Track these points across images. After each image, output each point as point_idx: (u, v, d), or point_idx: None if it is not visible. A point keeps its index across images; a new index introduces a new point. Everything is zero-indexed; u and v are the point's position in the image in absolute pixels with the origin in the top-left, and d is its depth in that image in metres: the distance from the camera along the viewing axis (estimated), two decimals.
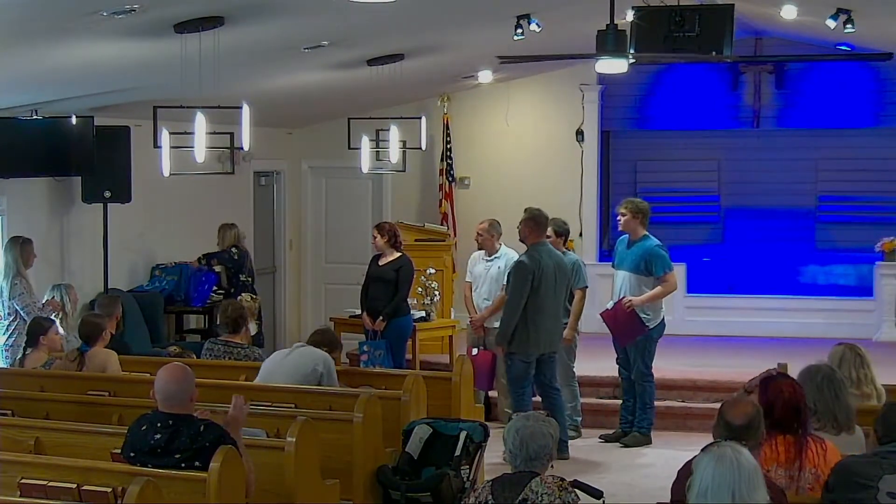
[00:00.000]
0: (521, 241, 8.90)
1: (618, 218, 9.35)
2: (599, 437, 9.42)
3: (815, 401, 5.24)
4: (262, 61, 8.63)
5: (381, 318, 9.66)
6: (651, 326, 9.14)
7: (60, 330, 8.12)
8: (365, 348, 9.67)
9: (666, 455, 8.93)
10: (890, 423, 4.68)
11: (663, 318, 9.30)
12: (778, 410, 4.86)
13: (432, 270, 10.85)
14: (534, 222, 8.73)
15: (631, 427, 9.33)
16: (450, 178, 12.94)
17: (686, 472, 4.09)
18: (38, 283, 8.76)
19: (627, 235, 9.30)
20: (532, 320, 8.56)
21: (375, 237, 9.96)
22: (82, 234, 9.68)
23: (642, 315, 9.08)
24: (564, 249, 9.44)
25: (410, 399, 6.81)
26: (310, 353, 7.16)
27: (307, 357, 7.11)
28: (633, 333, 9.04)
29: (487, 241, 9.64)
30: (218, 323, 8.04)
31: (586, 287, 9.37)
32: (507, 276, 8.83)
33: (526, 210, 8.94)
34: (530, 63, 10.59)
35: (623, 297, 9.06)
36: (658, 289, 9.11)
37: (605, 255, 12.63)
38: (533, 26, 8.91)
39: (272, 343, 12.41)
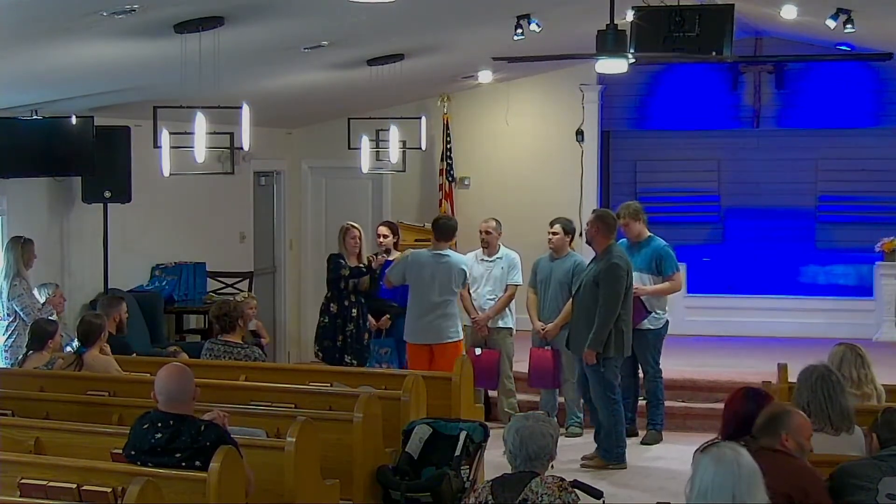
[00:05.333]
0: (587, 243, 8.83)
1: (622, 230, 9.34)
2: None
3: (809, 401, 5.25)
4: (262, 61, 8.63)
5: (386, 316, 9.65)
6: (659, 326, 9.31)
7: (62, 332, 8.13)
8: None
9: (666, 455, 8.95)
10: (892, 427, 4.69)
11: (667, 318, 9.47)
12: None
13: None
14: (602, 222, 8.60)
15: (631, 424, 9.38)
16: (450, 178, 12.94)
17: None
18: (37, 284, 8.75)
19: (626, 240, 9.36)
20: (625, 322, 8.51)
21: (387, 236, 9.92)
22: (82, 234, 9.68)
23: (655, 314, 9.22)
24: (571, 249, 9.50)
25: (410, 399, 6.81)
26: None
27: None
28: (636, 317, 9.05)
29: (494, 239, 9.67)
30: (212, 322, 8.02)
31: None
32: (589, 280, 8.49)
33: (594, 211, 8.96)
34: (530, 63, 10.58)
35: None
36: (666, 284, 9.29)
37: None
38: (533, 26, 8.91)
39: (272, 343, 12.41)
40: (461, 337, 9.20)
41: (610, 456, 8.62)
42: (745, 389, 5.13)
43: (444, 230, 9.19)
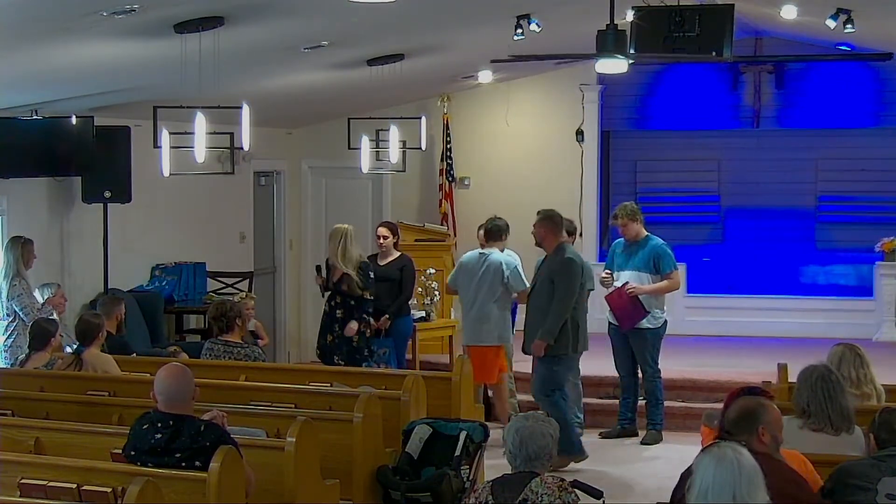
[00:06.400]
0: (537, 244, 8.77)
1: (619, 231, 9.38)
2: (599, 434, 9.48)
3: (809, 401, 5.24)
4: (262, 61, 8.63)
5: (385, 316, 9.64)
6: (658, 325, 9.29)
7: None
8: None
9: (666, 455, 8.94)
10: (890, 427, 4.69)
11: (666, 318, 9.44)
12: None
13: (432, 271, 10.84)
14: (551, 222, 8.59)
15: (631, 424, 9.41)
16: (450, 178, 12.94)
17: (689, 474, 4.07)
18: (38, 284, 8.75)
19: (623, 239, 9.38)
20: (581, 318, 8.52)
21: (387, 237, 9.89)
22: (82, 234, 9.68)
23: (653, 313, 9.19)
24: None
25: (410, 399, 6.81)
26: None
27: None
28: (634, 316, 9.10)
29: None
30: (210, 322, 7.99)
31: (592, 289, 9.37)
32: (544, 279, 8.48)
33: (539, 212, 8.82)
34: (530, 63, 10.58)
35: (626, 284, 9.09)
36: (664, 283, 9.26)
37: (606, 254, 12.64)
38: (533, 26, 8.91)
39: (272, 343, 12.41)
40: (502, 342, 9.29)
41: (572, 449, 8.41)
42: (740, 388, 5.12)
43: (490, 231, 9.43)
